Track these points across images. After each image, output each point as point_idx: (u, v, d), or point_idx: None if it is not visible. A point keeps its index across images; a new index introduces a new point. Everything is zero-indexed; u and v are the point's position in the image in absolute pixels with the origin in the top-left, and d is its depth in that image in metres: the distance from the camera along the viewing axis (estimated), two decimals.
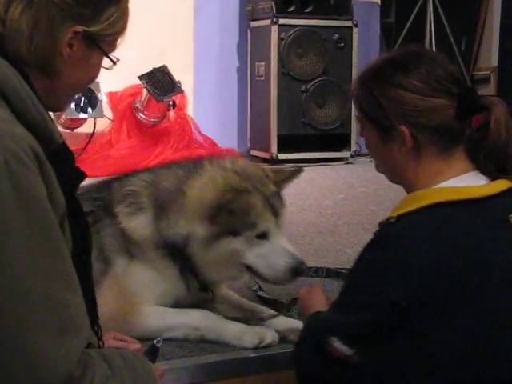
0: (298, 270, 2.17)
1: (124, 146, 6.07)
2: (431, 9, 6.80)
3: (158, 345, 1.73)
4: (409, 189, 1.82)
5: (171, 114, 6.26)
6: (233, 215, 2.11)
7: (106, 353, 1.50)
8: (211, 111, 6.83)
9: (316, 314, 1.85)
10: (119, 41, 1.63)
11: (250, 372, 2.10)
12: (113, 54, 1.63)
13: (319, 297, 2.02)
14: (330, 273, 2.90)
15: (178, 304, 2.26)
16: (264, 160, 6.58)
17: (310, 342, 1.75)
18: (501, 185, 1.74)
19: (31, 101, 1.45)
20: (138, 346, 1.93)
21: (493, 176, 1.76)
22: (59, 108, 1.65)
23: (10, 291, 1.31)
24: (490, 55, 7.25)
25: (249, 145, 6.87)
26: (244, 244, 2.15)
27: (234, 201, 2.11)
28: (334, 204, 4.64)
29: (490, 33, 7.31)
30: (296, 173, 2.37)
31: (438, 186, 1.74)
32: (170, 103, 6.12)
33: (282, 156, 6.46)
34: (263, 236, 2.17)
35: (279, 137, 6.49)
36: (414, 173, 1.78)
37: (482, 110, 1.76)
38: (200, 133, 6.51)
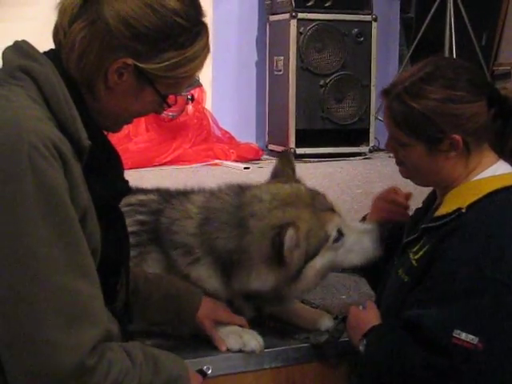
0: (381, 236, 2.10)
1: (142, 139, 6.09)
2: (451, 3, 6.75)
3: (208, 371, 1.81)
4: (448, 186, 1.92)
5: (189, 107, 6.27)
6: (299, 246, 1.98)
7: (129, 346, 1.53)
8: (229, 105, 6.82)
9: (387, 324, 1.91)
10: (186, 84, 1.63)
11: (262, 367, 2.10)
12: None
13: (375, 312, 2.00)
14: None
15: None
16: None
17: (418, 347, 1.75)
18: None
19: (67, 104, 1.50)
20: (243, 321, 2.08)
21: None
22: (109, 128, 1.68)
23: (26, 280, 1.36)
24: (511, 50, 7.18)
25: (267, 139, 6.86)
26: (328, 256, 2.05)
27: (293, 233, 1.95)
28: (352, 199, 4.62)
29: (511, 28, 7.24)
30: (285, 155, 2.27)
31: (479, 175, 1.89)
32: (189, 97, 6.13)
33: (299, 150, 6.42)
34: (339, 237, 2.08)
35: (297, 131, 6.47)
36: (463, 171, 1.90)
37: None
38: (218, 127, 6.51)
